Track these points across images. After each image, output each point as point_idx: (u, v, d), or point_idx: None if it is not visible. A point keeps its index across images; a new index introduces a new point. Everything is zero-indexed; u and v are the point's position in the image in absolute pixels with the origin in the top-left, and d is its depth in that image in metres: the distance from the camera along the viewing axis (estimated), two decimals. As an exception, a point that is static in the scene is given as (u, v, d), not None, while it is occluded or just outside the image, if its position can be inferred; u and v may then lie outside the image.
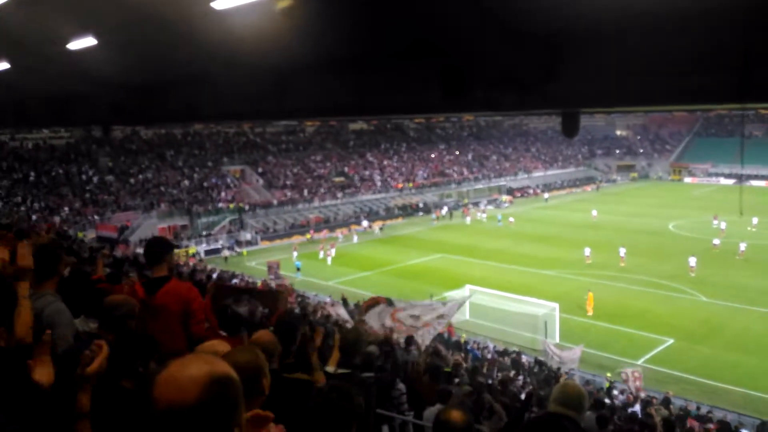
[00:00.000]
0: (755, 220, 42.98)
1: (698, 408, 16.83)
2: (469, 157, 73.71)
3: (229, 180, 54.43)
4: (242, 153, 59.00)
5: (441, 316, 15.57)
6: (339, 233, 47.72)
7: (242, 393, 1.43)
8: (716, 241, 37.21)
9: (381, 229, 49.18)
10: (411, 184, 62.49)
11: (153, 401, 1.33)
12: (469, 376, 10.70)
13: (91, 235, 37.81)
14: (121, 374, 2.87)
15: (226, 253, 40.13)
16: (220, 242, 44.60)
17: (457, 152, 73.77)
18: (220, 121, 38.19)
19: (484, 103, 5.79)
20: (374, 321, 14.97)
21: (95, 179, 47.52)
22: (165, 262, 4.57)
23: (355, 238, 45.80)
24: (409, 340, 11.90)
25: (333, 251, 39.53)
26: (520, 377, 17.11)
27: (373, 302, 16.65)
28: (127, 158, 51.67)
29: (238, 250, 42.82)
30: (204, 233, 45.46)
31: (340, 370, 4.38)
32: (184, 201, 48.26)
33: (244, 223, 48.13)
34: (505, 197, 63.48)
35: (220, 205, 49.37)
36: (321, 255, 39.19)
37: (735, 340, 23.07)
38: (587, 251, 35.76)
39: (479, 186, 66.77)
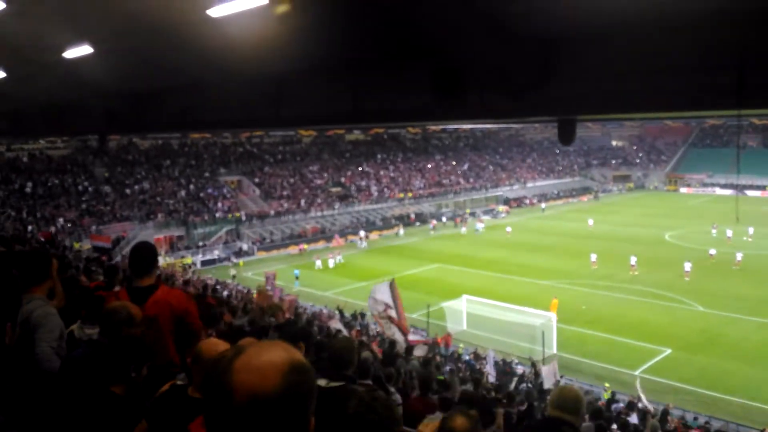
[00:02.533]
0: (751, 230, 43.09)
1: (695, 418, 16.75)
2: (466, 167, 73.86)
3: (225, 190, 54.37)
4: (239, 163, 59.01)
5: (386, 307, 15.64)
6: (362, 241, 48.63)
7: (316, 382, 1.37)
8: (712, 251, 37.26)
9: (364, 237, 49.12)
10: (410, 194, 62.57)
11: (232, 390, 1.24)
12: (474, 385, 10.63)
13: (87, 245, 37.66)
14: (112, 379, 2.82)
15: (232, 272, 39.12)
16: (216, 253, 44.47)
17: (454, 162, 73.94)
18: (215, 129, 38.17)
19: (479, 108, 5.79)
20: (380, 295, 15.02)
21: (91, 190, 47.42)
22: (154, 272, 4.47)
23: (364, 244, 47.08)
24: (410, 349, 11.83)
25: (340, 257, 40.74)
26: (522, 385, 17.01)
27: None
28: (124, 168, 51.61)
29: (234, 260, 42.66)
30: (200, 243, 45.34)
31: (332, 383, 4.21)
32: (181, 211, 48.16)
33: (241, 233, 48.03)
34: (501, 207, 63.57)
35: (217, 215, 49.29)
36: (318, 265, 39.21)
37: (732, 349, 23.02)
38: (593, 257, 36.65)
39: (476, 196, 66.85)
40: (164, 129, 20.50)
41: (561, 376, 19.93)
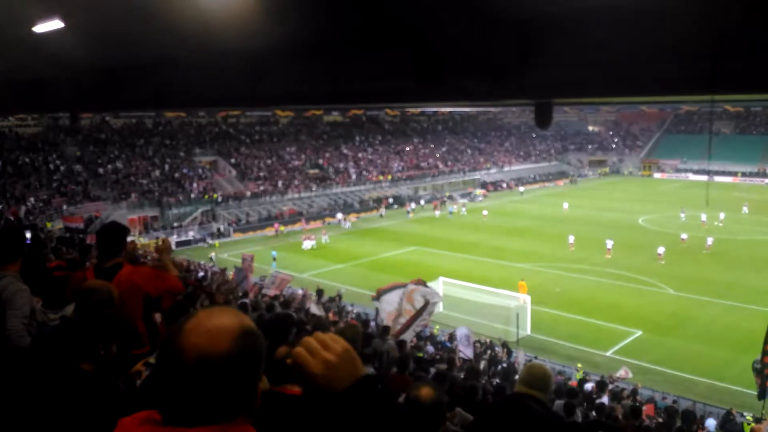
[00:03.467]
0: (722, 215, 44.05)
1: (664, 398, 17.18)
2: (444, 150, 73.98)
3: (201, 171, 53.73)
4: (215, 143, 58.28)
5: (421, 313, 15.63)
6: (345, 221, 48.95)
7: (265, 347, 1.40)
8: (684, 236, 38.04)
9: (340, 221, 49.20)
10: (389, 177, 62.54)
11: (181, 351, 1.28)
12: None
13: (59, 225, 36.97)
14: (81, 356, 2.78)
15: (211, 254, 38.80)
16: (191, 234, 44.05)
17: (432, 146, 74.02)
18: (190, 107, 37.59)
19: (458, 91, 5.77)
20: (387, 305, 15.00)
21: (63, 169, 46.46)
22: (121, 253, 4.33)
23: (348, 224, 47.54)
24: (386, 329, 11.87)
25: (326, 237, 41.15)
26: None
27: (392, 286, 16.71)
28: (96, 148, 50.61)
29: (210, 241, 42.31)
30: (175, 224, 44.85)
31: None
32: (155, 192, 47.51)
33: (216, 214, 47.60)
34: (479, 191, 63.95)
35: (192, 196, 48.73)
36: (305, 245, 39.28)
37: (701, 332, 23.61)
38: (571, 239, 37.48)
39: (453, 179, 67.10)
40: (138, 107, 20.10)
41: (535, 357, 20.27)
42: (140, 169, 50.10)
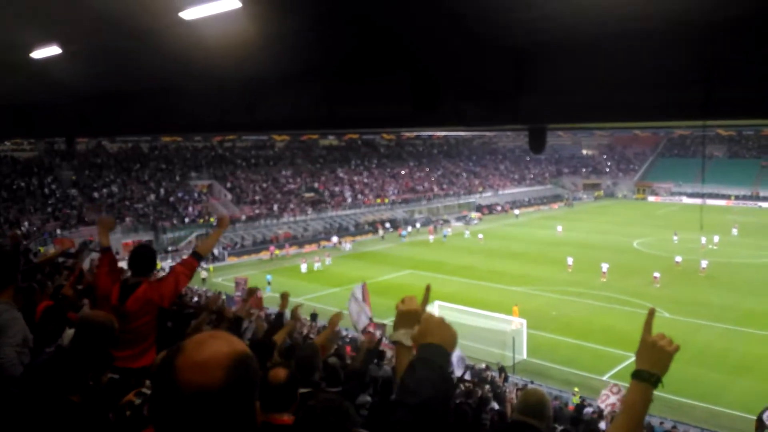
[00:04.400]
0: (716, 239, 44.21)
1: (661, 423, 17.04)
2: (439, 173, 74.30)
3: (196, 194, 53.72)
4: (210, 167, 58.39)
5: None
6: (346, 243, 49.69)
7: (258, 369, 1.41)
8: (678, 259, 38.11)
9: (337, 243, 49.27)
10: (386, 200, 62.64)
11: (175, 386, 1.27)
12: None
13: (51, 250, 36.76)
14: (70, 388, 2.75)
15: (203, 274, 39.07)
16: (186, 257, 43.85)
17: (427, 169, 74.34)
18: (188, 132, 37.71)
19: (454, 116, 5.83)
20: (355, 312, 14.96)
21: (58, 193, 46.38)
22: (152, 273, 4.47)
23: (348, 246, 48.21)
24: (382, 354, 11.75)
25: (329, 260, 41.81)
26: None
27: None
28: (92, 172, 50.61)
29: (204, 266, 42.09)
30: (169, 249, 44.66)
31: (301, 390, 4.20)
32: (150, 216, 47.41)
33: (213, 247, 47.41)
34: (474, 214, 64.09)
35: (187, 220, 48.63)
36: (303, 269, 39.50)
37: (698, 355, 23.50)
38: (570, 260, 37.79)
39: (449, 203, 67.27)
40: (136, 132, 20.16)
41: (531, 381, 20.11)
42: (135, 193, 50.06)
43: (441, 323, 1.82)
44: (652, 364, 1.97)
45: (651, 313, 2.06)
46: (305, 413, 2.43)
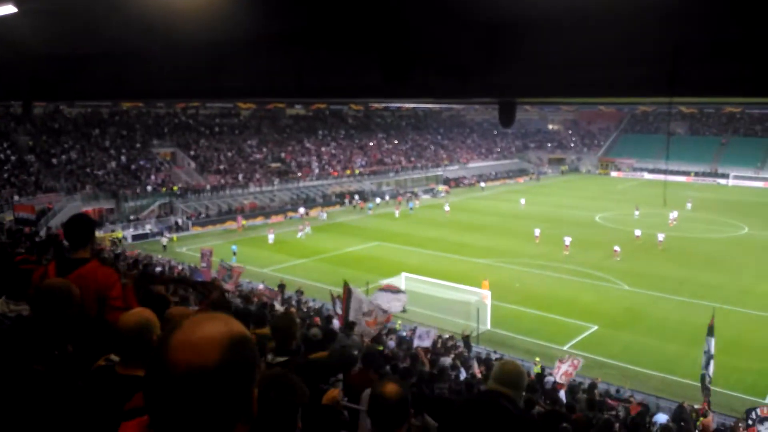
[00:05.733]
0: (675, 214, 45.48)
1: (618, 391, 17.65)
2: (408, 146, 74.20)
3: (158, 162, 52.58)
4: (173, 135, 57.06)
5: (384, 310, 15.71)
6: (322, 212, 49.97)
7: (258, 352, 1.36)
8: (638, 232, 39.14)
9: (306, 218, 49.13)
10: (358, 171, 62.37)
11: (170, 366, 1.23)
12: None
13: (8, 217, 35.69)
14: (34, 357, 2.69)
15: (164, 240, 38.87)
16: (149, 227, 43.16)
17: (396, 141, 74.16)
18: (150, 99, 36.73)
19: (425, 89, 5.79)
20: (358, 311, 14.97)
21: (14, 159, 44.79)
22: (89, 245, 4.27)
23: (324, 216, 48.62)
24: (351, 325, 11.84)
25: (308, 229, 41.89)
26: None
27: (346, 292, 16.70)
28: (49, 137, 48.93)
29: (168, 235, 41.52)
30: (131, 217, 43.81)
31: (278, 359, 4.26)
32: (111, 183, 46.29)
33: (175, 207, 46.70)
34: (441, 187, 64.43)
35: (149, 188, 47.65)
36: (271, 239, 39.45)
37: (655, 327, 24.33)
38: (537, 232, 38.88)
39: (416, 175, 67.41)
40: (96, 97, 19.52)
41: (494, 351, 20.57)
42: (95, 160, 48.71)
43: None
44: None
45: None
46: None
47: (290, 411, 2.41)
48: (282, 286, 26.28)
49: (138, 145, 53.01)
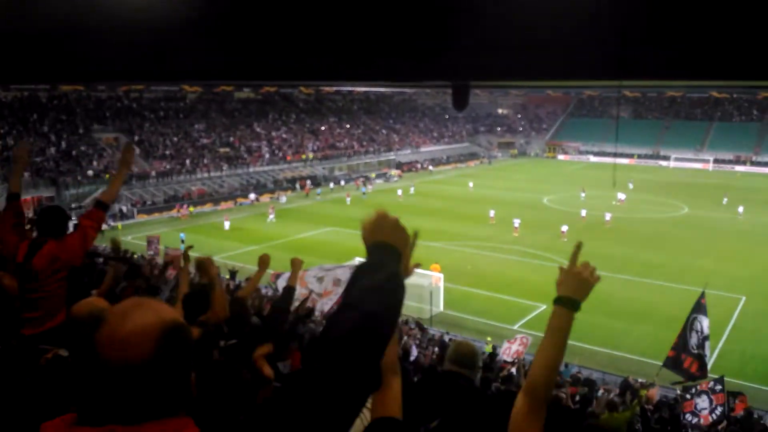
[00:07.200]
0: (623, 195, 47.03)
1: (566, 365, 18.18)
2: (360, 131, 73.93)
3: (101, 148, 50.73)
4: (116, 119, 55.15)
5: (338, 281, 15.49)
6: (281, 195, 49.79)
7: (192, 336, 1.30)
8: (583, 213, 40.34)
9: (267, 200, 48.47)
10: (306, 156, 61.71)
11: (100, 361, 1.17)
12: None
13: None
14: None
15: (104, 226, 37.77)
16: (93, 215, 41.71)
17: (348, 125, 73.77)
18: (91, 82, 35.30)
19: (377, 72, 5.72)
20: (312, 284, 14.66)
21: (-57, 144, 42.47)
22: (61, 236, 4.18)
23: (283, 199, 48.58)
24: (310, 312, 11.75)
25: (272, 214, 41.82)
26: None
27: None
28: (-18, 122, 46.58)
29: (112, 224, 40.21)
30: (73, 205, 42.19)
31: (230, 342, 4.24)
32: (50, 170, 44.43)
33: (119, 194, 45.21)
34: (394, 171, 64.57)
35: (91, 174, 45.94)
36: (227, 226, 38.72)
37: (601, 305, 25.04)
38: (492, 213, 39.86)
39: (369, 160, 67.32)
40: (32, 80, 18.57)
41: (446, 332, 20.86)
42: (34, 146, 46.59)
43: (397, 223, 1.62)
44: (574, 291, 2.10)
45: (578, 247, 2.16)
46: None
47: (239, 396, 2.38)
48: (234, 273, 25.90)
49: (79, 131, 51.01)
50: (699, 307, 12.53)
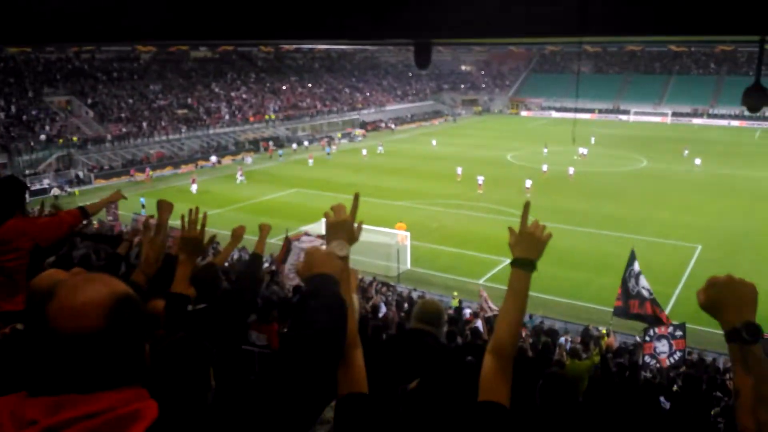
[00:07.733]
0: (585, 150, 47.74)
1: (531, 317, 18.73)
2: (322, 90, 72.80)
3: (53, 112, 48.90)
4: (68, 81, 53.04)
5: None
6: (247, 156, 49.50)
7: (143, 308, 1.35)
8: (544, 167, 40.96)
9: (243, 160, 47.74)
10: (269, 116, 60.61)
11: (52, 333, 1.20)
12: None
13: None
14: None
15: (56, 191, 36.66)
16: (47, 182, 40.43)
17: (310, 85, 72.52)
18: (40, 43, 33.74)
19: (339, 29, 5.61)
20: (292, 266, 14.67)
21: None
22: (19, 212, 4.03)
23: (249, 160, 48.52)
24: (273, 273, 11.77)
25: (241, 176, 41.75)
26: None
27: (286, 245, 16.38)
28: (-77, 86, 44.29)
29: (69, 190, 39.14)
30: (27, 172, 40.82)
31: (198, 306, 4.22)
32: (1, 136, 42.73)
33: (74, 160, 43.87)
34: (358, 131, 64.06)
35: (44, 139, 44.36)
36: (194, 189, 38.11)
37: (563, 257, 25.71)
38: (459, 170, 40.39)
39: (333, 119, 66.58)
40: (-27, 40, 17.66)
41: (414, 289, 21.18)
42: (-19, 111, 44.68)
43: (326, 255, 1.84)
44: (528, 251, 2.16)
45: (526, 207, 2.21)
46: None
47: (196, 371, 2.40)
48: (213, 238, 25.63)
49: (29, 94, 48.95)
50: (632, 259, 13.28)
